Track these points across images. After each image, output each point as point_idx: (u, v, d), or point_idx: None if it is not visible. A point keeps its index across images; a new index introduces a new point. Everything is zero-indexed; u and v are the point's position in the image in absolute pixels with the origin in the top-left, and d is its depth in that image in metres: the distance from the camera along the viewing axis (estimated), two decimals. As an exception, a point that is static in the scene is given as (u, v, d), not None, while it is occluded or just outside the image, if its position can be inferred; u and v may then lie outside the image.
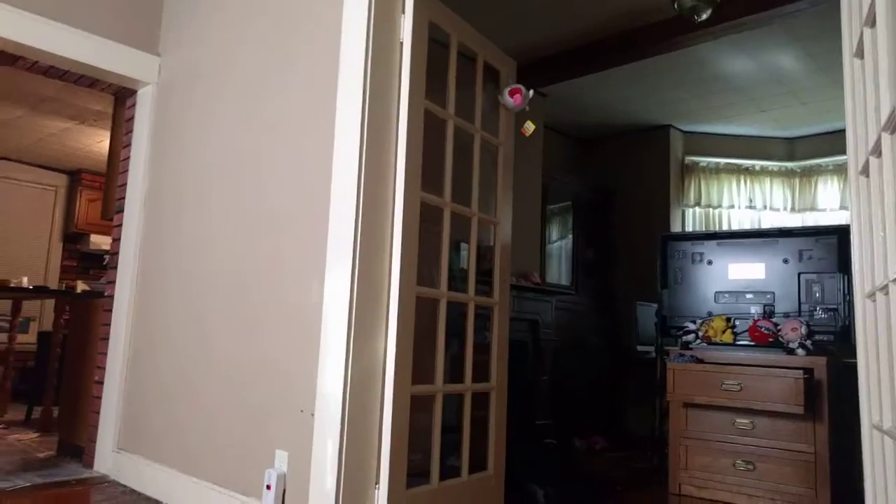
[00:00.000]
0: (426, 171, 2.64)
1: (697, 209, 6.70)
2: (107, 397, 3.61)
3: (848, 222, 2.16)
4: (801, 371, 3.44)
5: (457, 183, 2.84)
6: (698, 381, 3.72)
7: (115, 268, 3.72)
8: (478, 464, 2.86)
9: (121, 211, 3.78)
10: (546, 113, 5.84)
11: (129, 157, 3.78)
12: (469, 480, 2.78)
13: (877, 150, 1.74)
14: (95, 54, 3.47)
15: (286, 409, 2.55)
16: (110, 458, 3.50)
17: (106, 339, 3.70)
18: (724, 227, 6.55)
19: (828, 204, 6.39)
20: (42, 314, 7.20)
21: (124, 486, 3.30)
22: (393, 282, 2.48)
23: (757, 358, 3.73)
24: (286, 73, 2.86)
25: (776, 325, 3.77)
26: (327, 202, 2.52)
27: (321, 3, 2.75)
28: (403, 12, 2.64)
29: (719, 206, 6.67)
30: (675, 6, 4.00)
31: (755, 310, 4.07)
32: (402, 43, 2.63)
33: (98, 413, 3.65)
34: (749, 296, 4.13)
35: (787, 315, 3.92)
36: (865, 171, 1.90)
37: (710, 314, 4.16)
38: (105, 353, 3.67)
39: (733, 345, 3.86)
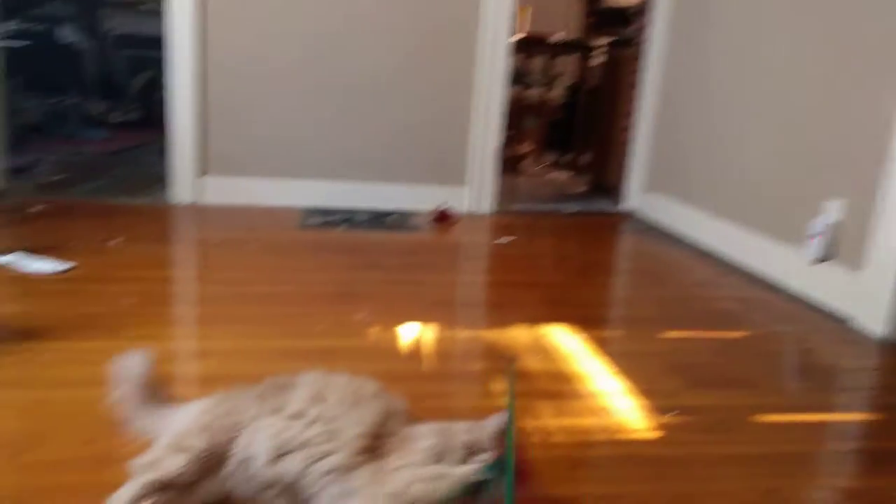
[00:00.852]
0: None
1: None
2: (636, 142, 3.86)
3: None
4: None
5: None
6: None
7: (645, 22, 3.73)
8: None
9: (653, -48, 3.67)
10: None
11: None
12: None
13: None
14: None
15: (845, 157, 2.27)
16: (639, 197, 3.83)
17: (635, 86, 3.86)
18: None
19: None
20: (567, 68, 7.93)
21: (651, 222, 3.60)
22: None
23: None
24: None
25: None
26: None
27: None
28: None
29: None
30: None
31: None
32: None
33: (628, 156, 3.95)
34: None
35: None
36: None
37: None
38: (634, 101, 3.86)
39: None
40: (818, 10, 2.46)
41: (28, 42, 4.95)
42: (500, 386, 1.57)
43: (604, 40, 4.96)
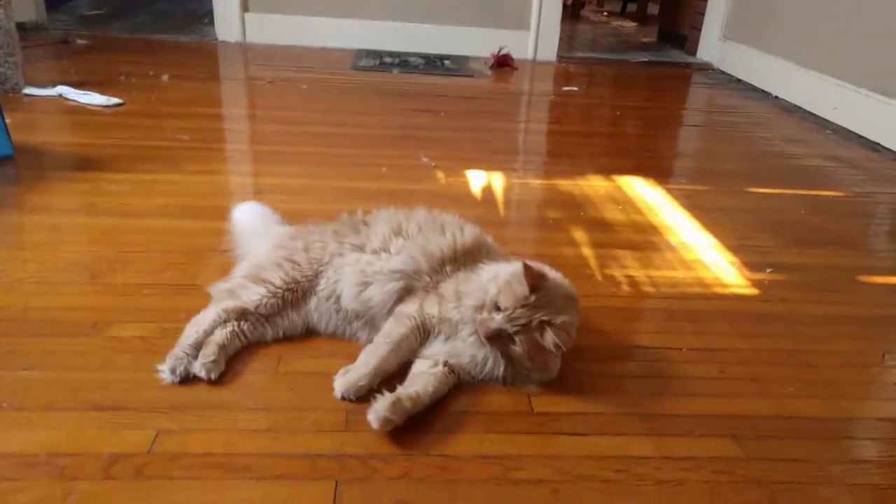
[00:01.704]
0: None
1: None
2: (718, -17, 3.46)
3: None
4: None
5: None
6: None
7: None
8: None
9: None
10: None
11: None
12: None
13: None
14: None
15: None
16: (715, 47, 3.49)
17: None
18: None
19: None
20: None
21: (729, 74, 3.31)
22: None
23: None
24: None
25: None
26: None
27: None
28: None
29: None
30: None
31: None
32: None
33: (705, 1, 3.57)
34: None
35: None
36: None
37: None
38: (722, -66, 3.42)
39: None
40: None
41: None
42: (578, 235, 1.47)
43: None
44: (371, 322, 1.02)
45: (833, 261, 1.44)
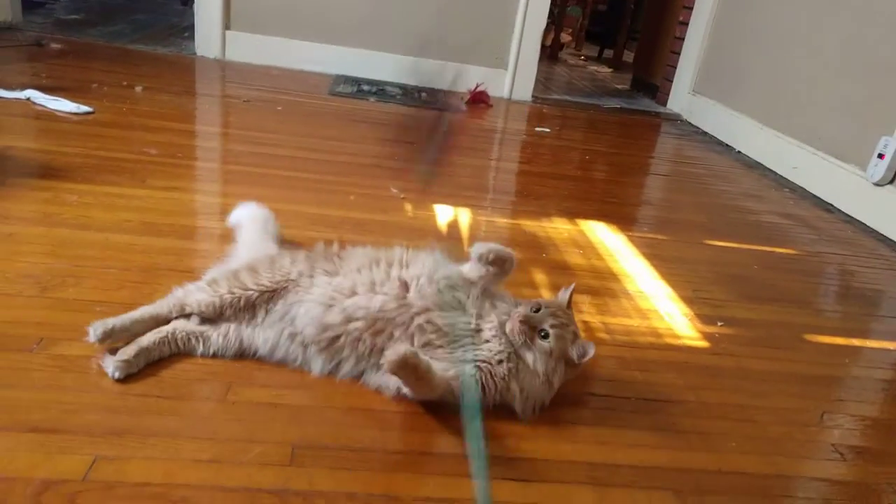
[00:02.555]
0: None
1: None
2: (690, 39, 3.59)
3: None
4: None
5: None
6: None
7: None
8: None
9: None
10: None
11: None
12: None
13: None
14: None
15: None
16: (684, 99, 3.61)
17: (699, -24, 3.54)
18: None
19: None
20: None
21: (696, 126, 3.41)
22: None
23: None
24: None
25: None
26: None
27: None
28: None
29: None
30: None
31: None
32: None
33: (678, 54, 3.70)
34: None
35: None
36: None
37: None
38: (696, -8, 3.55)
39: None
40: None
41: None
42: (538, 277, 1.50)
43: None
44: (327, 349, 1.01)
45: (782, 317, 1.49)
